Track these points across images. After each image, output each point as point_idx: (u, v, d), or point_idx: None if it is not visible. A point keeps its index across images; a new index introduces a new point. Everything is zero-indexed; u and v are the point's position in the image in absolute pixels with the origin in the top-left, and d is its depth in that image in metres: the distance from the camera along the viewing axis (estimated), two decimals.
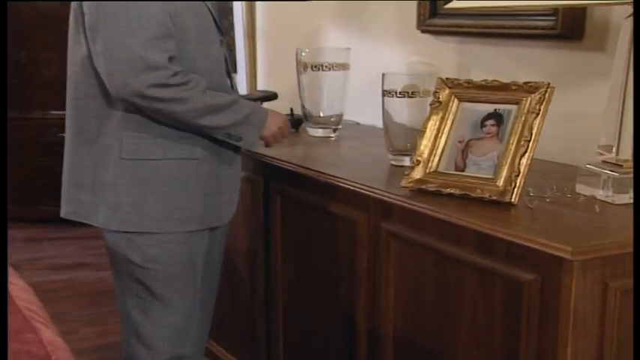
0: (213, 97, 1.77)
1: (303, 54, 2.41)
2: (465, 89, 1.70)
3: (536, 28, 2.01)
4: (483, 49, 2.24)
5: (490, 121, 1.65)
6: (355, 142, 2.36)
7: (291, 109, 2.54)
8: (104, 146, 1.79)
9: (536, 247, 1.36)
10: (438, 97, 1.72)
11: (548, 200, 1.60)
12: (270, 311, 2.22)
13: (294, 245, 2.09)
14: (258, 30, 3.25)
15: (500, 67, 2.18)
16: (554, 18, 1.95)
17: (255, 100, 1.94)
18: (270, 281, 2.20)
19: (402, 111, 1.96)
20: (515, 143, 1.59)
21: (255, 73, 3.28)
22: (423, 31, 2.40)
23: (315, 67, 2.39)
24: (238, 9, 3.29)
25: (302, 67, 2.41)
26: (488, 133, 1.64)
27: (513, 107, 1.63)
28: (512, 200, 1.54)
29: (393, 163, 1.96)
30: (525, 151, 1.57)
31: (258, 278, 2.26)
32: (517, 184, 1.55)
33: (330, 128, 2.43)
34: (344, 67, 2.42)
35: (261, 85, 3.23)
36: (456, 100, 1.71)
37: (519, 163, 1.56)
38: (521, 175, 1.56)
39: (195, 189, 1.82)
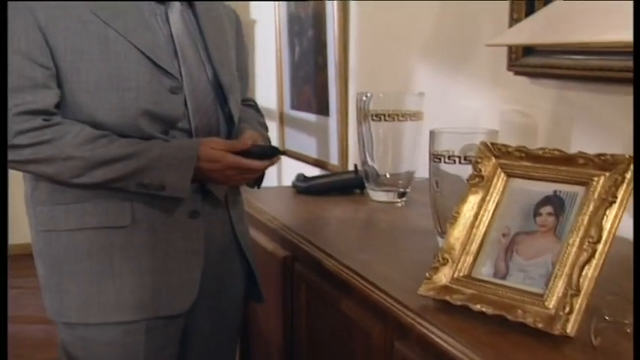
0: (103, 146, 1.40)
1: (364, 99, 1.98)
2: (517, 160, 1.20)
3: None
4: (587, 96, 1.70)
5: (547, 208, 1.14)
6: (425, 209, 1.88)
7: (355, 166, 2.11)
8: (29, 214, 1.53)
9: None
10: (480, 170, 1.23)
11: (629, 330, 1.07)
12: None
13: (319, 341, 1.64)
14: (350, 70, 2.85)
15: (608, 120, 1.65)
16: None
17: (249, 155, 1.50)
18: None
19: (457, 182, 1.48)
20: (576, 245, 1.07)
21: (347, 115, 2.87)
22: (517, 73, 1.89)
23: (377, 116, 1.95)
24: (332, 46, 2.91)
25: (363, 115, 1.98)
26: (543, 226, 1.14)
27: (579, 190, 1.11)
28: (566, 332, 1.02)
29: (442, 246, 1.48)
30: (590, 259, 1.05)
31: None
32: (574, 308, 1.03)
33: (396, 191, 1.97)
34: (417, 115, 1.96)
35: (351, 131, 2.81)
36: (503, 175, 1.21)
37: (580, 276, 1.05)
38: (582, 294, 1.04)
39: (123, 267, 1.45)
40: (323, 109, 3.05)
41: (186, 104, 1.49)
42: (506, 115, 1.98)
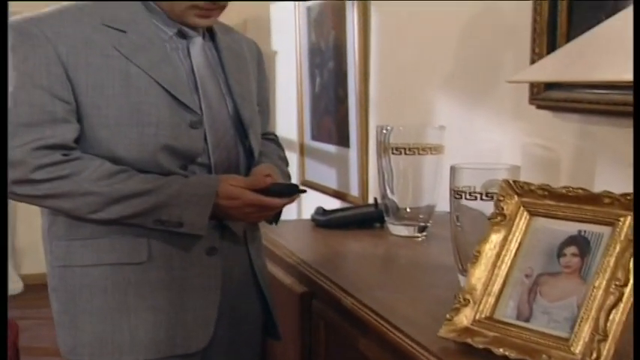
0: (121, 181, 1.39)
1: (384, 132, 1.96)
2: (540, 198, 1.18)
3: None
4: (611, 131, 1.68)
5: (571, 249, 1.11)
6: (446, 244, 1.85)
7: (375, 200, 2.08)
8: (45, 250, 1.52)
9: None
10: (502, 209, 1.21)
11: None
12: None
13: None
14: (371, 101, 2.83)
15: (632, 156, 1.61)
16: None
17: (268, 192, 1.49)
18: None
19: (478, 217, 1.45)
20: (602, 288, 1.04)
21: (367, 147, 2.85)
22: (539, 107, 1.87)
23: (398, 149, 1.93)
24: (352, 78, 2.90)
25: (383, 149, 1.96)
26: (568, 267, 1.10)
27: (605, 230, 1.08)
28: None
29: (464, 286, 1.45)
30: (617, 302, 1.02)
31: None
32: (602, 354, 1.00)
33: (416, 226, 1.94)
34: (437, 149, 1.93)
35: (372, 163, 2.80)
36: (526, 213, 1.19)
37: (607, 321, 1.01)
38: (609, 339, 1.01)
39: (138, 304, 1.43)
40: (343, 141, 3.03)
41: (205, 139, 1.48)
42: (528, 148, 1.95)
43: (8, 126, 1.38)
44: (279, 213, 1.59)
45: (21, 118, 1.38)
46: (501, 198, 1.22)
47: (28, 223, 4.36)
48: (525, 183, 1.20)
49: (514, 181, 1.22)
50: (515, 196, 1.20)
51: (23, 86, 1.39)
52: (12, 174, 1.39)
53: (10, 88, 1.39)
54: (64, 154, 1.40)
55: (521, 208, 1.19)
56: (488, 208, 1.39)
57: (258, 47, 1.75)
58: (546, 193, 1.17)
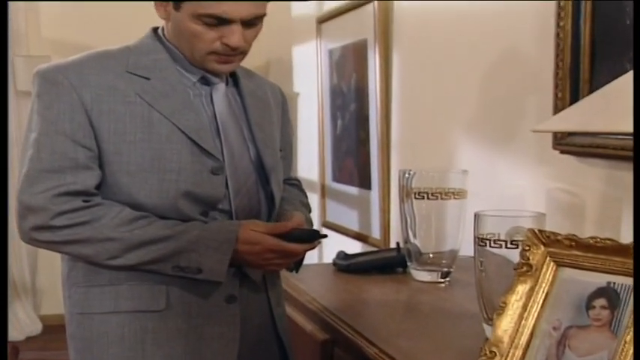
0: (141, 227, 1.39)
1: (407, 176, 1.95)
2: (567, 249, 1.15)
3: None
4: None
5: (600, 301, 1.08)
6: (470, 290, 1.82)
7: (398, 244, 2.06)
8: (64, 296, 1.52)
9: None
10: (528, 259, 1.18)
11: None
12: None
13: None
14: (393, 144, 2.83)
15: None
16: None
17: (289, 238, 1.48)
18: None
19: (503, 264, 1.42)
20: (634, 343, 1.01)
21: (389, 189, 2.83)
22: (563, 152, 1.85)
23: (420, 194, 1.91)
24: (374, 120, 2.90)
25: (405, 193, 1.94)
26: (597, 320, 1.08)
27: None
28: None
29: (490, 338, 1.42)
30: None
31: None
32: None
33: (439, 271, 1.92)
34: (460, 194, 1.92)
35: (393, 205, 2.78)
36: (552, 264, 1.16)
37: None
38: None
39: (155, 353, 1.42)
40: (365, 183, 3.02)
41: (227, 185, 1.48)
42: (553, 193, 1.93)
43: (31, 171, 1.39)
44: (301, 260, 1.58)
45: (43, 164, 1.39)
46: (527, 248, 1.19)
47: (49, 263, 4.37)
48: (552, 233, 1.18)
49: (540, 231, 1.19)
50: (542, 246, 1.18)
51: (47, 133, 1.40)
52: (33, 220, 1.39)
53: (34, 134, 1.41)
54: (85, 200, 1.41)
55: (548, 258, 1.17)
56: (513, 254, 1.37)
57: (282, 92, 1.75)
58: (573, 243, 1.15)
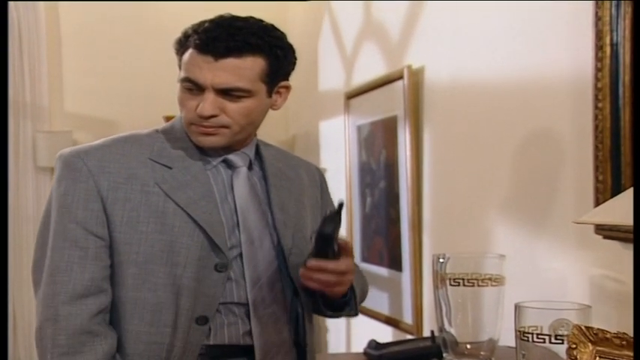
0: None
1: (441, 261, 1.87)
2: (617, 348, 1.07)
3: None
4: None
5: None
6: None
7: (432, 333, 1.97)
8: None
9: None
10: (575, 358, 1.10)
11: None
12: None
13: None
14: (424, 224, 2.75)
15: None
16: None
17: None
18: None
19: (547, 357, 1.33)
20: (634, 343, 0.91)
21: (421, 271, 2.75)
22: (606, 237, 1.76)
23: (456, 280, 1.83)
24: (404, 199, 2.83)
25: (440, 279, 1.86)
26: None
27: None
28: None
29: None
30: None
31: None
32: None
33: None
34: (498, 280, 1.83)
35: (426, 288, 2.68)
36: None
37: None
38: None
39: None
40: (395, 264, 2.94)
41: (243, 276, 1.44)
42: (596, 280, 1.83)
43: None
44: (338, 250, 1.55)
45: (54, 261, 1.38)
46: (574, 346, 1.11)
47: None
48: (600, 330, 1.10)
49: (587, 328, 1.11)
50: (590, 345, 1.10)
51: (61, 221, 1.38)
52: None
53: (52, 222, 1.40)
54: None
55: (597, 358, 1.08)
56: (557, 348, 1.29)
57: (320, 172, 1.73)
58: (624, 342, 1.06)
